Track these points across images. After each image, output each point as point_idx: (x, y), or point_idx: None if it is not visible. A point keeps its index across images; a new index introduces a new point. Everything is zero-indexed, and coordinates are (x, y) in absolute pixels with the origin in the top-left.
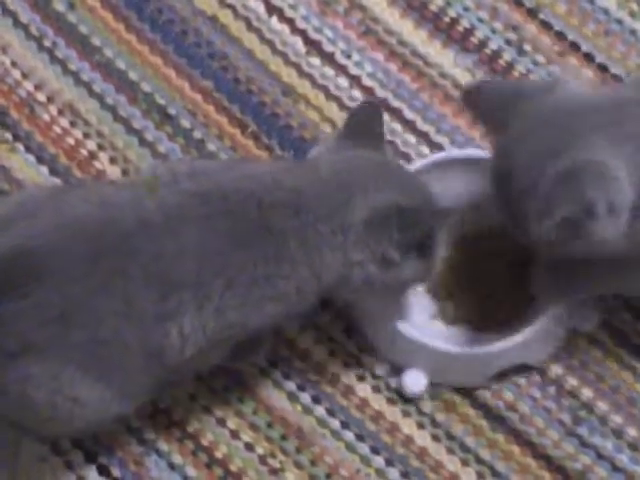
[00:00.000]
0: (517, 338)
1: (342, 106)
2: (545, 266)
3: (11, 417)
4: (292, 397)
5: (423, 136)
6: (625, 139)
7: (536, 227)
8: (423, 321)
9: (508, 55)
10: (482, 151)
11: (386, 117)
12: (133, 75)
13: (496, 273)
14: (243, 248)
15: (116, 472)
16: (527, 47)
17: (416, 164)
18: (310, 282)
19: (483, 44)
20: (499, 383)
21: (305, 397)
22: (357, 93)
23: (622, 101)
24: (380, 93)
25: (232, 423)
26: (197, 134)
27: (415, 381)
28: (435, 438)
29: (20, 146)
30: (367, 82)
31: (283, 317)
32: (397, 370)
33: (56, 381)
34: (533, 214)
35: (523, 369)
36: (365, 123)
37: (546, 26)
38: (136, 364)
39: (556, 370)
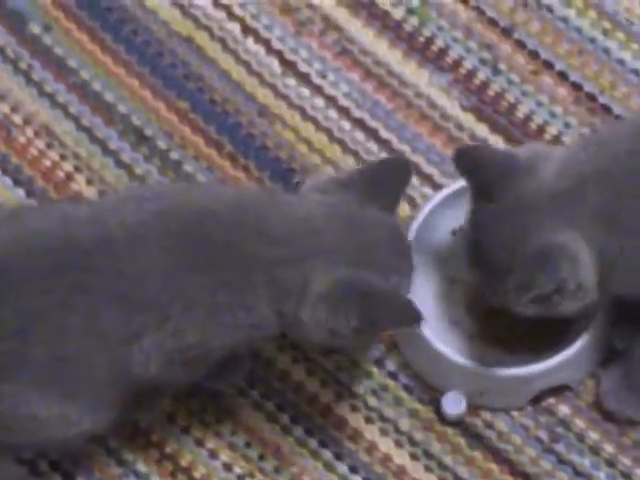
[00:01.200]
0: (558, 359)
1: (318, 126)
2: (615, 380)
3: None
4: (271, 417)
5: (399, 155)
6: (584, 221)
7: (514, 299)
8: (442, 329)
9: (483, 74)
10: None
11: (362, 137)
12: (109, 97)
13: None
14: (206, 272)
15: None
16: (502, 66)
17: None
18: (271, 318)
19: (458, 63)
20: (535, 405)
21: (284, 418)
22: (333, 113)
23: (581, 180)
24: (356, 113)
25: (211, 443)
26: (174, 155)
27: (455, 403)
28: (413, 457)
29: None
30: (343, 102)
31: (249, 341)
32: (377, 391)
33: (14, 398)
34: (511, 291)
35: (560, 389)
36: (385, 178)
37: (520, 45)
38: (102, 379)
39: None
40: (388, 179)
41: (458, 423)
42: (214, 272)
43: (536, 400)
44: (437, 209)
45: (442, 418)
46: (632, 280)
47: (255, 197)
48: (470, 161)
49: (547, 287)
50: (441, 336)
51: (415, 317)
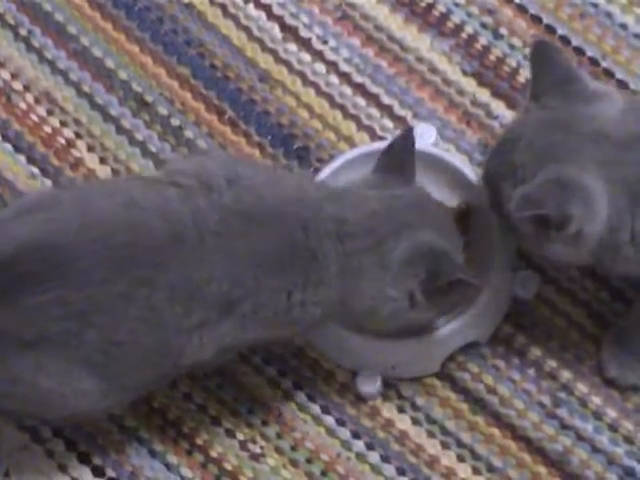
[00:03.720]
0: (463, 319)
1: (319, 92)
2: (615, 346)
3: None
4: (272, 383)
5: (400, 121)
6: (615, 180)
7: (516, 213)
8: None
9: (484, 39)
10: None
11: (363, 102)
12: (109, 63)
13: None
14: (281, 273)
15: (110, 472)
16: (503, 31)
17: (342, 157)
18: (337, 308)
19: (459, 28)
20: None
21: (286, 383)
22: (334, 78)
23: (631, 140)
24: (357, 78)
25: (213, 409)
26: (175, 121)
27: (370, 382)
28: (416, 422)
29: None
30: (344, 68)
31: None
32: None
33: (64, 374)
34: (516, 201)
35: (471, 346)
36: (398, 157)
37: (522, 10)
38: (148, 363)
39: (535, 352)
40: (404, 155)
41: (373, 399)
42: (291, 274)
43: (450, 359)
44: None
45: (360, 397)
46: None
47: (328, 196)
48: (546, 60)
49: (553, 213)
50: None
51: (470, 278)
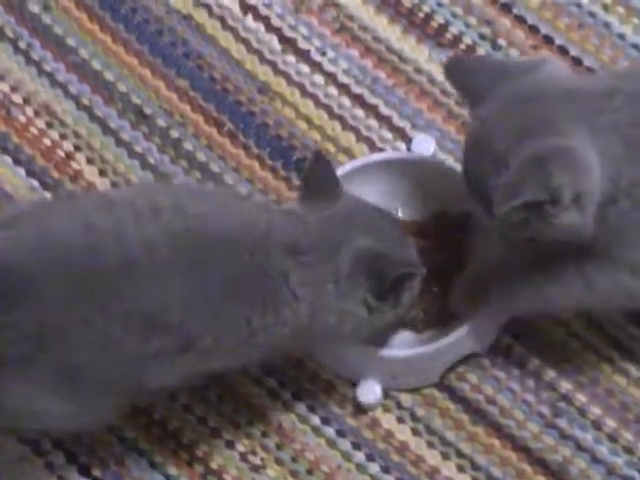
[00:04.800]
0: (462, 330)
1: (318, 103)
2: (467, 278)
3: None
4: (272, 394)
5: (399, 131)
6: (604, 130)
7: (499, 207)
8: None
9: (482, 50)
10: (400, 153)
11: (362, 114)
12: (109, 75)
13: (441, 270)
14: (236, 301)
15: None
16: (501, 41)
17: (341, 169)
18: (302, 329)
19: (458, 39)
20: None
21: (286, 394)
22: (333, 90)
23: (608, 91)
24: (356, 89)
25: (212, 420)
26: (174, 133)
27: (370, 392)
28: (415, 432)
29: None
30: (343, 79)
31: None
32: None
33: (28, 396)
34: (498, 194)
35: (470, 357)
36: (319, 176)
37: (520, 20)
38: (109, 387)
39: (534, 362)
40: (321, 177)
41: (373, 409)
42: (246, 300)
43: (449, 370)
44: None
45: (360, 407)
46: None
47: (275, 220)
48: (462, 70)
49: (537, 194)
50: None
51: (419, 266)
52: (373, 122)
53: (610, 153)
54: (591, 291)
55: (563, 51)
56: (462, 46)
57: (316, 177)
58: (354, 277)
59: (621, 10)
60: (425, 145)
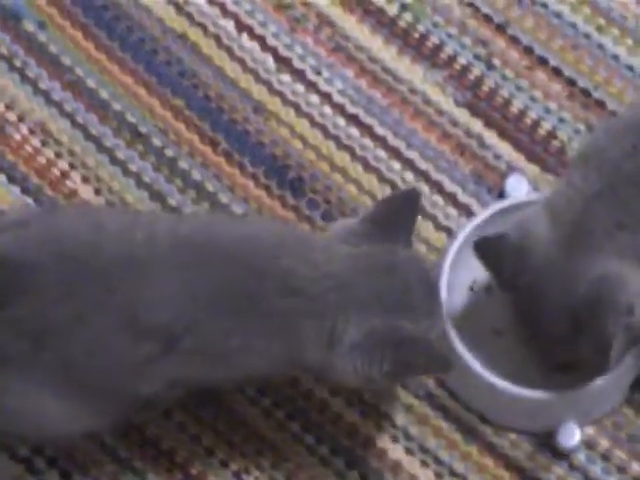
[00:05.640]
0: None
1: (313, 123)
2: None
3: None
4: (266, 413)
5: (394, 151)
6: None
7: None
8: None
9: (477, 70)
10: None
11: (357, 133)
12: (104, 94)
13: None
14: (224, 314)
15: None
16: (496, 62)
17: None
18: (284, 363)
19: (452, 59)
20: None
21: (280, 413)
22: (328, 109)
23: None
24: (351, 109)
25: (207, 439)
26: (169, 152)
27: (570, 435)
28: (409, 451)
29: None
30: (338, 99)
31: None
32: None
33: (26, 395)
34: (590, 352)
35: None
36: (397, 211)
37: (514, 41)
38: (105, 388)
39: None
40: (403, 213)
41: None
42: (232, 316)
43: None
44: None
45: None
46: None
47: (286, 244)
48: (492, 251)
49: (619, 328)
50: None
51: (446, 364)
52: (368, 142)
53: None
54: None
55: (557, 72)
56: (457, 66)
57: (394, 206)
58: (359, 352)
59: (615, 31)
60: (518, 187)
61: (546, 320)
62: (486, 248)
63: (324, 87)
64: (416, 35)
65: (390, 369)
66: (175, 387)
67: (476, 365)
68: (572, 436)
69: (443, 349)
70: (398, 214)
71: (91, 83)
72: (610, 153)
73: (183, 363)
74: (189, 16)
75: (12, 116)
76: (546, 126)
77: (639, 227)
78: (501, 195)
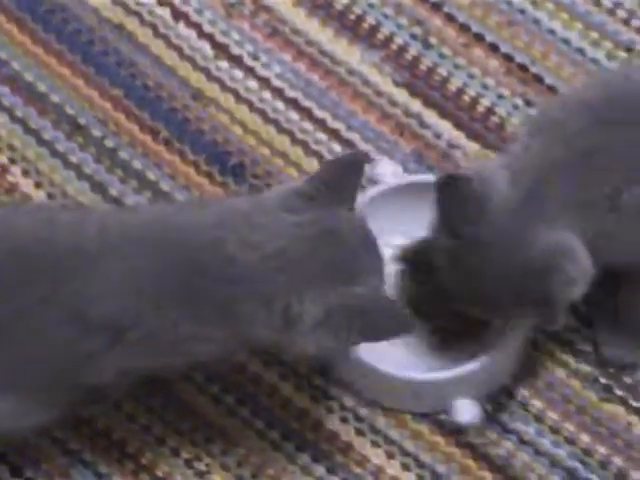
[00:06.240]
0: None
1: (252, 108)
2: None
3: None
4: (215, 400)
5: (334, 133)
6: (560, 212)
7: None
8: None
9: (414, 49)
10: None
11: (296, 117)
12: (42, 87)
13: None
14: (171, 304)
15: None
16: (433, 40)
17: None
18: (234, 347)
19: (389, 40)
20: None
21: (229, 399)
22: (267, 94)
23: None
24: (290, 93)
25: (157, 429)
26: (109, 143)
27: (464, 410)
28: (359, 432)
29: None
30: (276, 83)
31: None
32: (323, 370)
33: None
34: (532, 312)
35: None
36: (342, 174)
37: (451, 19)
38: (51, 382)
39: None
40: (347, 177)
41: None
42: (180, 305)
43: None
44: None
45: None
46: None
47: (227, 226)
48: (451, 192)
49: (563, 294)
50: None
51: (409, 324)
52: (308, 125)
53: (575, 226)
54: None
55: (494, 48)
56: (393, 46)
57: (335, 174)
58: (324, 329)
59: (550, 6)
60: (390, 171)
61: (490, 275)
62: (451, 187)
63: (262, 72)
64: (352, 17)
65: (357, 339)
66: (124, 377)
67: (361, 353)
68: (466, 411)
69: (404, 312)
70: (343, 176)
71: (28, 76)
72: (567, 128)
73: (131, 354)
74: (125, 6)
75: None
76: (485, 103)
77: (590, 206)
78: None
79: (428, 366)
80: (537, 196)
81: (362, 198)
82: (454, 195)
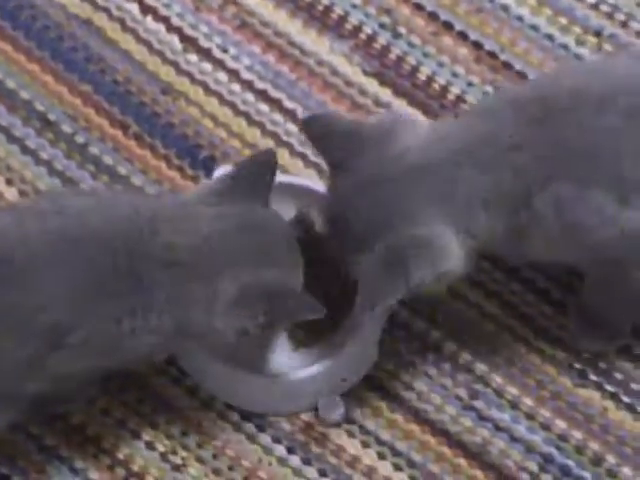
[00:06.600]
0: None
1: (222, 100)
2: (579, 317)
3: None
4: (190, 393)
5: None
6: (457, 204)
7: (365, 307)
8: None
9: (383, 39)
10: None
11: (266, 108)
12: (11, 83)
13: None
14: (108, 300)
15: None
16: (402, 30)
17: None
18: (173, 334)
19: (358, 29)
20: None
21: (204, 392)
22: (236, 86)
23: (454, 155)
24: (259, 85)
25: (132, 423)
26: (79, 138)
27: (332, 406)
28: (335, 424)
29: None
30: (245, 75)
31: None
32: None
33: None
34: (362, 293)
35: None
36: (255, 172)
37: (419, 8)
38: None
39: (450, 346)
40: (261, 173)
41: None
42: (118, 300)
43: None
44: None
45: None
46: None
47: (160, 217)
48: (318, 130)
49: (398, 293)
50: None
51: (316, 308)
52: (278, 116)
53: (472, 221)
54: None
55: (463, 36)
56: (362, 36)
57: (249, 172)
58: (238, 307)
59: None
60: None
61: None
62: (315, 124)
63: (231, 64)
64: (320, 7)
65: (264, 320)
66: (67, 384)
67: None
68: (334, 408)
69: (310, 296)
70: (256, 174)
71: None
72: (497, 121)
73: (73, 357)
74: (92, 1)
75: None
76: (455, 91)
77: (495, 207)
78: None
79: (290, 366)
80: (443, 171)
81: None
82: (317, 131)
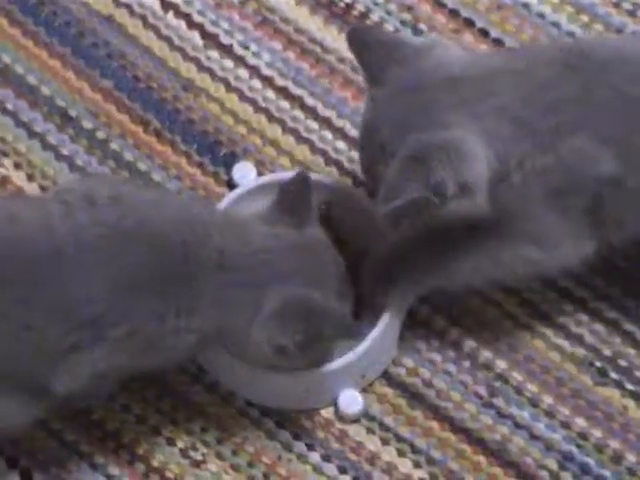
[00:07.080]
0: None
1: (243, 97)
2: (373, 262)
3: None
4: (210, 389)
5: (325, 122)
6: (487, 113)
7: (382, 208)
8: None
9: (404, 36)
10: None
11: (287, 105)
12: (32, 79)
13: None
14: (155, 297)
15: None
16: (422, 26)
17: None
18: (211, 338)
19: (379, 26)
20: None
21: (224, 388)
22: (257, 83)
23: (492, 73)
24: (280, 82)
25: (152, 419)
26: (100, 134)
27: (351, 401)
28: (354, 420)
29: None
30: (266, 72)
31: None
32: None
33: None
34: (380, 193)
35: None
36: (294, 196)
37: (440, 5)
38: (25, 385)
39: (470, 344)
40: (299, 197)
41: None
42: (165, 299)
43: None
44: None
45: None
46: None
47: (215, 221)
48: (360, 42)
49: (418, 192)
50: None
51: (354, 330)
52: (298, 113)
53: (497, 135)
54: (498, 266)
55: (484, 33)
56: None
57: (290, 194)
58: (277, 320)
59: None
60: (248, 173)
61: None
62: (358, 36)
63: (252, 61)
64: (341, 4)
65: (301, 338)
66: (101, 383)
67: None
68: (353, 405)
69: (349, 316)
70: (295, 199)
71: (19, 69)
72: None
73: (112, 353)
74: None
75: None
76: None
77: (522, 129)
78: (230, 183)
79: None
80: (479, 86)
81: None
82: (360, 42)
